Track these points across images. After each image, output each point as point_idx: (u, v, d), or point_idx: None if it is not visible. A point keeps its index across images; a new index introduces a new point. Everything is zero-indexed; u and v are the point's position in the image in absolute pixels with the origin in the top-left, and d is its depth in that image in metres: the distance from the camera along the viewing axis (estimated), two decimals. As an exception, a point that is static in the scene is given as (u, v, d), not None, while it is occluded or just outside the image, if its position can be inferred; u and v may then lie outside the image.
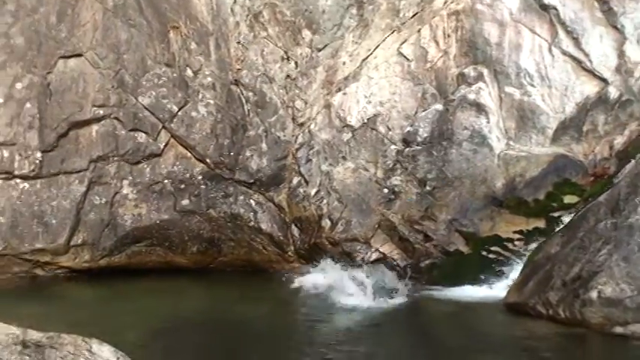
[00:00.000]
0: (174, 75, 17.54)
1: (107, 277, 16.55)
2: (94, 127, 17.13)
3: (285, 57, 18.22)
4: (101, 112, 17.12)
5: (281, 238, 17.57)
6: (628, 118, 17.07)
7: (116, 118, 17.20)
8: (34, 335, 6.82)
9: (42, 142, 16.75)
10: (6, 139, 16.66)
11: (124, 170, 17.21)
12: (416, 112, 17.53)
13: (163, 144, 17.44)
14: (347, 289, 15.45)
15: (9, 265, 16.53)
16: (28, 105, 16.77)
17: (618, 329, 12.96)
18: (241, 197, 17.64)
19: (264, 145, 17.81)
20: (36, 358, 6.57)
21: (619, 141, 16.93)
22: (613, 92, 17.17)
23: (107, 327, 11.55)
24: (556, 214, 16.31)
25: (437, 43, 17.66)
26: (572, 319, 13.35)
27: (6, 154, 16.64)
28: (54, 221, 16.67)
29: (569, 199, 16.50)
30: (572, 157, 16.97)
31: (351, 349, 12.49)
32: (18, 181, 16.69)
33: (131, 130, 17.27)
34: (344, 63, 18.06)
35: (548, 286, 13.94)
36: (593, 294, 13.20)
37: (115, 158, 17.18)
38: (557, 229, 15.72)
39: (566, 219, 15.86)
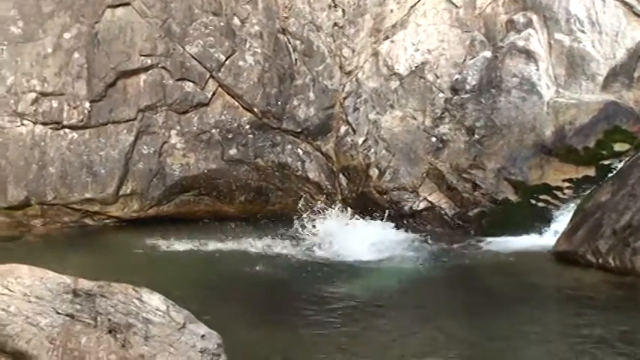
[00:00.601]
0: (222, 24, 17.50)
1: (156, 227, 16.65)
2: (142, 77, 17.17)
3: (333, 5, 18.10)
4: (149, 61, 17.14)
5: (328, 187, 17.56)
6: (679, 63, 16.86)
7: (164, 68, 17.21)
8: (85, 284, 6.88)
9: (90, 92, 16.83)
10: (54, 89, 16.76)
11: (171, 120, 17.25)
12: (464, 60, 17.39)
13: (211, 93, 17.44)
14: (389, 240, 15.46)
15: (59, 214, 16.69)
16: (76, 55, 16.83)
17: (668, 278, 12.91)
18: (289, 146, 17.64)
19: (311, 94, 17.76)
20: (87, 307, 6.63)
21: (671, 87, 16.74)
22: (665, 37, 16.94)
23: (156, 276, 11.66)
24: (606, 162, 16.15)
25: (485, -11, 17.49)
26: (622, 267, 13.28)
27: (55, 104, 16.74)
28: (103, 171, 16.78)
29: (619, 146, 16.32)
30: (622, 104, 16.76)
31: (399, 299, 12.52)
32: (67, 131, 16.79)
33: (178, 80, 17.28)
34: (391, 10, 17.91)
35: (598, 234, 13.85)
36: (644, 242, 13.13)
37: (163, 108, 17.21)
38: (608, 177, 15.58)
39: (617, 167, 15.72)
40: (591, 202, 14.95)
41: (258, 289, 12.96)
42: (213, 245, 15.45)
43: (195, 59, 17.33)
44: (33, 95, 16.72)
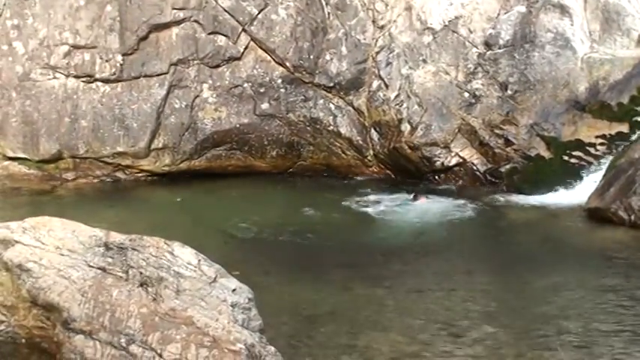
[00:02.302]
0: (254, -23, 17.45)
1: (188, 181, 16.72)
2: (174, 30, 17.16)
3: (366, -42, 17.97)
4: (181, 14, 17.12)
5: (360, 142, 17.53)
6: None
7: (196, 21, 17.18)
8: (117, 237, 6.92)
9: (123, 45, 16.85)
10: (87, 42, 16.79)
11: (203, 74, 17.24)
12: (498, 14, 17.24)
13: (243, 47, 17.41)
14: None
15: (91, 168, 16.78)
16: (108, 7, 16.84)
17: (700, 234, 12.84)
18: (321, 101, 17.60)
19: (343, 49, 17.68)
20: (118, 260, 6.67)
21: None
22: (702, -8, 16.71)
23: (188, 230, 11.72)
24: (640, 119, 16.04)
25: (520, -57, 17.28)
26: (654, 224, 13.23)
27: (87, 57, 16.78)
28: (135, 125, 16.83)
29: (654, 103, 16.20)
30: (657, 60, 16.60)
31: (431, 255, 12.51)
32: (99, 84, 16.84)
33: (211, 34, 17.26)
34: (425, -36, 17.76)
35: (631, 191, 13.76)
36: (676, 200, 13.05)
37: (195, 61, 17.21)
38: (642, 133, 15.48)
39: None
40: (624, 158, 14.85)
41: (289, 244, 13.02)
42: (246, 200, 15.52)
43: (228, 13, 17.29)
44: (65, 48, 16.77)
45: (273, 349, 6.58)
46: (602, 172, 15.23)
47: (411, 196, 15.53)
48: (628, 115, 16.15)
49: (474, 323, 9.36)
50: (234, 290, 6.78)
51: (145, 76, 16.95)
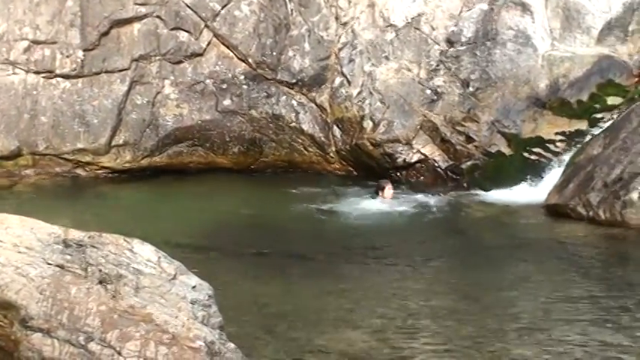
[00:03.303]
0: (217, -27, 17.41)
1: (148, 178, 16.68)
2: (136, 26, 17.09)
3: (329, -45, 17.98)
4: (143, 10, 17.05)
5: (322, 138, 17.55)
6: (675, 17, 16.79)
7: (158, 17, 17.13)
8: (76, 235, 6.89)
9: (83, 41, 16.76)
10: (47, 37, 16.69)
11: (165, 70, 17.19)
12: (460, 12, 17.30)
13: (205, 43, 17.37)
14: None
15: (51, 165, 16.68)
16: (69, 2, 16.75)
17: (658, 230, 12.99)
18: (283, 98, 17.60)
19: (306, 45, 17.69)
20: (77, 257, 6.65)
21: (665, 41, 16.70)
22: (660, -9, 16.86)
23: (148, 228, 11.69)
24: (599, 116, 16.15)
25: (481, -60, 17.35)
26: (612, 220, 13.37)
27: (47, 52, 16.68)
28: (95, 121, 16.76)
29: (612, 100, 16.30)
30: (616, 58, 16.71)
31: (392, 251, 12.57)
32: (59, 80, 16.74)
33: (173, 29, 17.20)
34: (388, -39, 17.79)
35: (589, 187, 13.91)
36: (634, 195, 13.20)
37: (157, 57, 17.15)
38: (600, 130, 15.60)
39: (609, 120, 15.74)
40: (583, 155, 14.99)
41: (250, 241, 13.04)
42: (207, 197, 15.52)
43: (190, 8, 17.25)
44: (25, 43, 16.66)
45: (233, 345, 6.59)
46: (561, 169, 15.37)
47: (376, 191, 15.51)
48: (587, 113, 16.29)
49: (435, 319, 9.42)
50: (194, 287, 6.78)
51: (106, 72, 16.86)
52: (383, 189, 15.33)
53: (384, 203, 15.07)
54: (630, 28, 16.89)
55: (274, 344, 8.42)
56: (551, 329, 8.99)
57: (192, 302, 6.62)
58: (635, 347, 8.45)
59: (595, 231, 13.33)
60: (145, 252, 6.87)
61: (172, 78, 17.19)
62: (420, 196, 15.58)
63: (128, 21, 17.00)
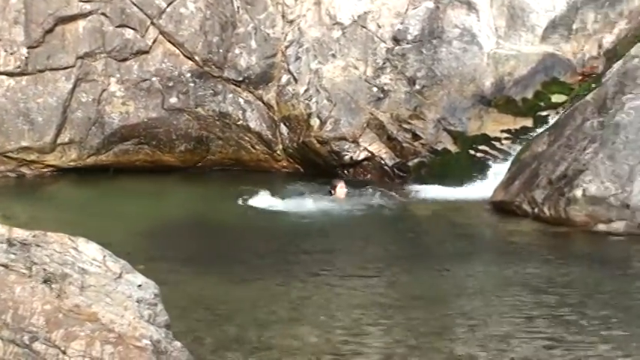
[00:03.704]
0: (163, -30, 17.34)
1: (94, 176, 16.57)
2: (81, 23, 16.97)
3: (275, -48, 17.97)
4: (88, 7, 16.94)
5: (269, 136, 17.56)
6: (617, 16, 16.96)
7: (103, 14, 17.02)
8: (20, 234, 6.83)
9: (28, 38, 16.61)
10: (-9, 35, 16.54)
11: (111, 67, 17.09)
12: (406, 10, 17.39)
13: (151, 41, 17.30)
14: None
15: (-6, 163, 16.55)
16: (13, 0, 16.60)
17: (601, 227, 13.13)
18: (230, 95, 17.57)
19: (253, 43, 17.67)
20: (21, 257, 6.59)
21: (608, 40, 16.84)
22: (603, -10, 17.06)
23: (94, 226, 11.61)
24: (543, 113, 16.33)
25: (427, -62, 17.44)
26: (556, 217, 13.49)
27: (-10, 50, 16.55)
28: (40, 119, 16.62)
29: (557, 97, 16.52)
30: (560, 56, 16.93)
31: (341, 249, 12.60)
32: (3, 77, 16.57)
33: (118, 27, 17.11)
34: (334, -41, 17.82)
35: (534, 184, 14.03)
36: (578, 192, 13.31)
37: (102, 55, 17.04)
38: (545, 128, 15.75)
39: (554, 118, 15.91)
40: (528, 152, 15.13)
41: (197, 239, 13.02)
42: (153, 195, 15.47)
43: (136, 5, 17.16)
44: (-32, 41, 16.51)
45: (179, 344, 6.57)
46: (507, 166, 15.50)
47: (329, 190, 15.46)
48: (532, 110, 16.48)
49: (382, 316, 9.45)
50: (139, 286, 6.74)
51: (51, 69, 16.73)
52: (335, 187, 15.34)
53: (336, 202, 15.09)
54: (574, 27, 17.09)
55: (221, 342, 8.41)
56: (496, 326, 9.06)
57: (138, 301, 6.59)
58: (580, 343, 8.54)
59: (540, 228, 13.45)
60: (90, 251, 6.82)
61: (118, 75, 17.10)
62: (368, 195, 15.61)
63: (73, 18, 16.88)
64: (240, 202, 14.87)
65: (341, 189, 15.31)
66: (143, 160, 17.30)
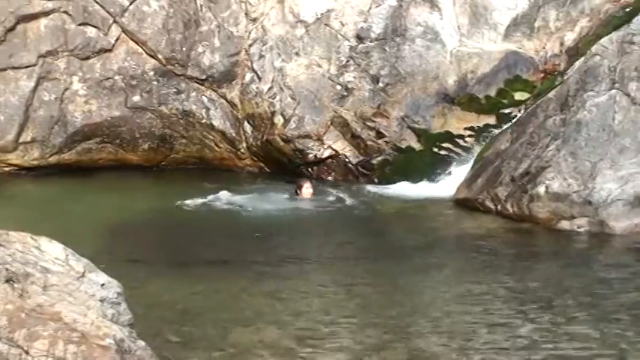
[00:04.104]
0: (125, -32, 17.27)
1: (57, 175, 16.49)
2: (43, 21, 16.88)
3: (239, -50, 17.94)
4: (50, 5, 16.85)
5: (233, 134, 17.54)
6: (579, 14, 17.06)
7: (65, 12, 16.94)
8: (-19, 233, 6.80)
9: (-12, 36, 16.53)
10: (-50, 33, 16.42)
11: (73, 66, 17.01)
12: (369, 8, 17.42)
13: (114, 39, 17.24)
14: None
15: (-45, 162, 16.44)
16: (-28, -2, 16.51)
17: (564, 223, 13.22)
18: (193, 94, 17.54)
19: (216, 41, 17.64)
20: (-17, 256, 6.55)
21: (569, 37, 16.93)
22: (565, -12, 17.16)
23: (57, 225, 11.56)
24: (506, 111, 16.41)
25: (390, -63, 17.47)
26: (520, 214, 13.57)
27: (-51, 48, 16.43)
28: (1, 118, 16.52)
29: (519, 95, 16.59)
30: (523, 54, 17.01)
31: (305, 248, 12.63)
32: (-36, 76, 16.50)
33: (81, 25, 17.03)
34: (297, -43, 17.83)
35: (497, 181, 14.11)
36: (541, 189, 13.40)
37: (65, 53, 16.96)
38: (507, 125, 15.84)
39: (516, 115, 16.00)
40: (491, 150, 15.22)
41: (160, 238, 12.99)
42: (117, 194, 15.41)
43: (98, 4, 17.09)
44: None
45: (143, 343, 6.55)
46: (470, 164, 15.57)
47: (295, 190, 15.42)
48: (495, 108, 16.56)
49: (348, 314, 9.48)
50: (102, 285, 6.72)
51: (13, 68, 16.62)
52: (301, 187, 15.31)
53: (303, 201, 15.07)
54: (536, 25, 17.19)
55: (185, 341, 8.41)
56: (459, 323, 9.10)
57: (102, 300, 6.57)
58: (544, 339, 8.59)
59: (503, 225, 13.51)
60: (52, 250, 6.79)
61: (81, 74, 17.02)
62: (332, 193, 15.64)
63: (35, 16, 16.79)
64: (202, 200, 14.84)
65: (307, 189, 15.28)
66: (106, 158, 17.24)
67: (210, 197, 15.01)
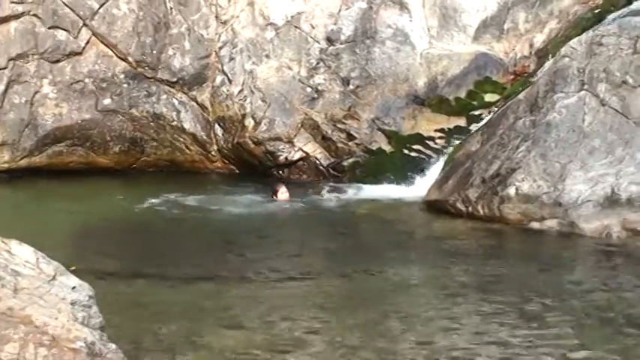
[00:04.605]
0: (95, -29, 17.23)
1: (28, 178, 16.43)
2: (13, 24, 16.83)
3: (208, -48, 17.94)
4: (19, 8, 16.80)
5: (204, 137, 17.53)
6: (548, 16, 17.17)
7: (35, 15, 16.89)
8: (-50, 237, 6.77)
9: (-42, 40, 16.45)
10: None
11: (43, 69, 16.96)
12: (339, 10, 17.46)
13: (84, 42, 17.20)
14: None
15: None
16: (-59, 2, 16.42)
17: (535, 225, 13.28)
18: (164, 96, 17.52)
19: (186, 44, 17.64)
20: (-48, 260, 6.53)
21: (539, 39, 17.04)
22: (534, -10, 17.25)
23: (27, 228, 11.52)
24: (476, 113, 16.49)
25: (360, -61, 17.52)
26: (490, 215, 13.62)
27: None
28: (-29, 121, 16.47)
29: (489, 97, 16.66)
30: (492, 56, 17.08)
31: (277, 250, 12.61)
32: None
33: (51, 28, 16.99)
34: (267, -41, 17.84)
35: (468, 183, 14.15)
36: (511, 190, 13.46)
37: (35, 56, 16.92)
38: (478, 127, 15.90)
39: (486, 117, 16.07)
40: (461, 151, 15.26)
41: (131, 241, 12.96)
42: (87, 197, 15.37)
43: (68, 7, 17.05)
44: None
45: (114, 346, 6.54)
46: (441, 165, 15.62)
47: (271, 194, 15.37)
48: (465, 110, 16.63)
49: (318, 317, 9.48)
50: (73, 288, 6.70)
51: (-17, 71, 16.59)
52: (277, 192, 15.25)
53: (274, 204, 15.06)
54: (505, 27, 17.27)
55: (155, 344, 8.38)
56: (429, 325, 9.12)
57: (72, 303, 6.55)
58: (513, 340, 8.63)
59: (474, 226, 13.54)
60: (23, 253, 6.77)
61: (51, 77, 16.97)
62: (306, 195, 15.65)
63: (4, 19, 16.73)
64: (173, 203, 14.82)
65: (282, 194, 15.23)
66: (77, 161, 17.20)
67: (181, 200, 14.98)
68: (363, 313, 9.54)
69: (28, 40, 16.83)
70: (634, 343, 8.53)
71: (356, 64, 17.12)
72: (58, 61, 17.05)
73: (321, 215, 14.67)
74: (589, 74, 13.97)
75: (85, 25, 17.15)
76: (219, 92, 17.51)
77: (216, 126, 17.50)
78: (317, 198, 15.48)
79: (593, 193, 13.10)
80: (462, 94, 16.77)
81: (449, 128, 16.51)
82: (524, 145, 13.81)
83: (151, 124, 17.41)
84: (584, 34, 14.88)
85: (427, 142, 16.44)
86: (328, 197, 15.55)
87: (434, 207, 14.61)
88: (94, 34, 17.21)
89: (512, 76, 16.88)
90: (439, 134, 16.49)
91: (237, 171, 17.56)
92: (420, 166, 16.16)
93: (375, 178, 16.27)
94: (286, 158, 17.04)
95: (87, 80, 17.15)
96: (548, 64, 14.98)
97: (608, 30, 14.59)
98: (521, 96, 14.71)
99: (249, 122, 17.13)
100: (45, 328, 6.19)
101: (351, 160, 16.77)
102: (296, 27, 17.49)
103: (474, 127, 16.13)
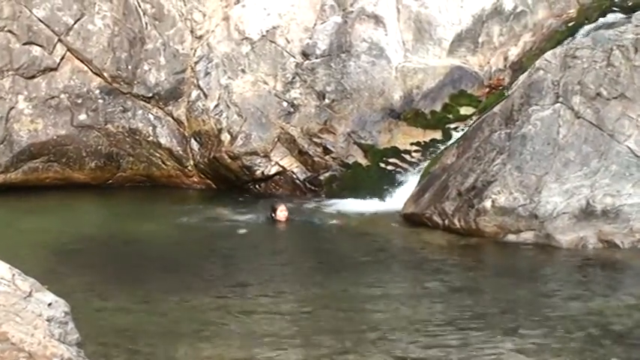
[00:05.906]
0: (69, -14, 17.21)
1: (3, 195, 16.34)
2: (-13, 41, 16.80)
3: (182, -32, 17.95)
4: (-6, 24, 16.77)
5: (180, 152, 17.50)
6: (522, 29, 17.26)
7: (10, 31, 16.85)
8: None
9: None
10: None
11: (19, 85, 16.91)
12: (315, 25, 17.50)
13: (59, 57, 17.16)
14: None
15: None
16: None
17: (511, 237, 13.34)
18: (140, 112, 17.49)
19: (162, 59, 17.62)
20: None
21: (513, 52, 17.12)
22: (508, 3, 17.30)
23: (3, 245, 11.45)
24: (452, 126, 16.54)
25: (334, -47, 17.58)
26: (467, 228, 13.66)
27: None
28: (-54, 137, 16.40)
29: (465, 110, 16.72)
30: (467, 69, 17.14)
31: (249, 261, 12.63)
32: None
33: (26, 44, 16.94)
34: (242, -26, 17.86)
35: (444, 196, 14.19)
36: (487, 203, 13.51)
37: (10, 72, 16.86)
38: (453, 140, 15.96)
39: (462, 130, 16.12)
40: (438, 164, 15.31)
41: (107, 257, 12.93)
42: (63, 213, 15.33)
43: (43, 23, 17.01)
44: None
45: (91, 362, 6.54)
46: (417, 179, 15.66)
47: (270, 214, 15.14)
48: (441, 123, 16.67)
49: (296, 329, 9.51)
50: (49, 304, 6.68)
51: (-43, 87, 16.53)
52: (275, 210, 15.01)
53: (279, 225, 14.84)
54: (480, 40, 17.33)
55: (132, 359, 8.39)
56: (406, 337, 9.17)
57: (49, 320, 6.53)
58: (489, 352, 8.67)
59: (450, 239, 13.60)
60: (-2, 270, 6.75)
61: (26, 93, 16.92)
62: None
63: (-21, 36, 16.70)
64: (150, 218, 14.81)
65: (281, 212, 14.97)
66: (53, 177, 17.13)
67: (157, 215, 14.97)
68: (338, 324, 9.58)
69: (2, 56, 16.79)
70: (607, 353, 8.60)
71: (332, 78, 17.14)
72: (33, 76, 17.01)
73: (297, 229, 14.67)
74: (563, 87, 14.05)
75: (60, 40, 17.12)
76: (195, 107, 17.50)
77: (193, 141, 17.48)
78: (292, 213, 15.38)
79: (569, 205, 13.18)
80: (438, 108, 16.81)
81: (425, 141, 16.55)
82: (499, 158, 13.86)
83: (127, 139, 17.38)
84: (558, 47, 14.99)
85: (403, 155, 16.47)
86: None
87: (410, 220, 14.65)
88: (69, 49, 17.18)
89: (487, 89, 16.94)
90: (415, 147, 16.53)
91: (214, 186, 17.53)
92: (396, 180, 16.17)
93: (351, 192, 16.27)
94: (263, 173, 17.03)
95: (62, 96, 17.10)
96: (522, 77, 15.06)
97: (583, 43, 14.71)
98: (496, 109, 14.77)
99: (226, 137, 17.12)
100: (21, 344, 6.17)
101: (327, 174, 16.78)
102: (271, 41, 17.50)
103: (449, 140, 16.16)
